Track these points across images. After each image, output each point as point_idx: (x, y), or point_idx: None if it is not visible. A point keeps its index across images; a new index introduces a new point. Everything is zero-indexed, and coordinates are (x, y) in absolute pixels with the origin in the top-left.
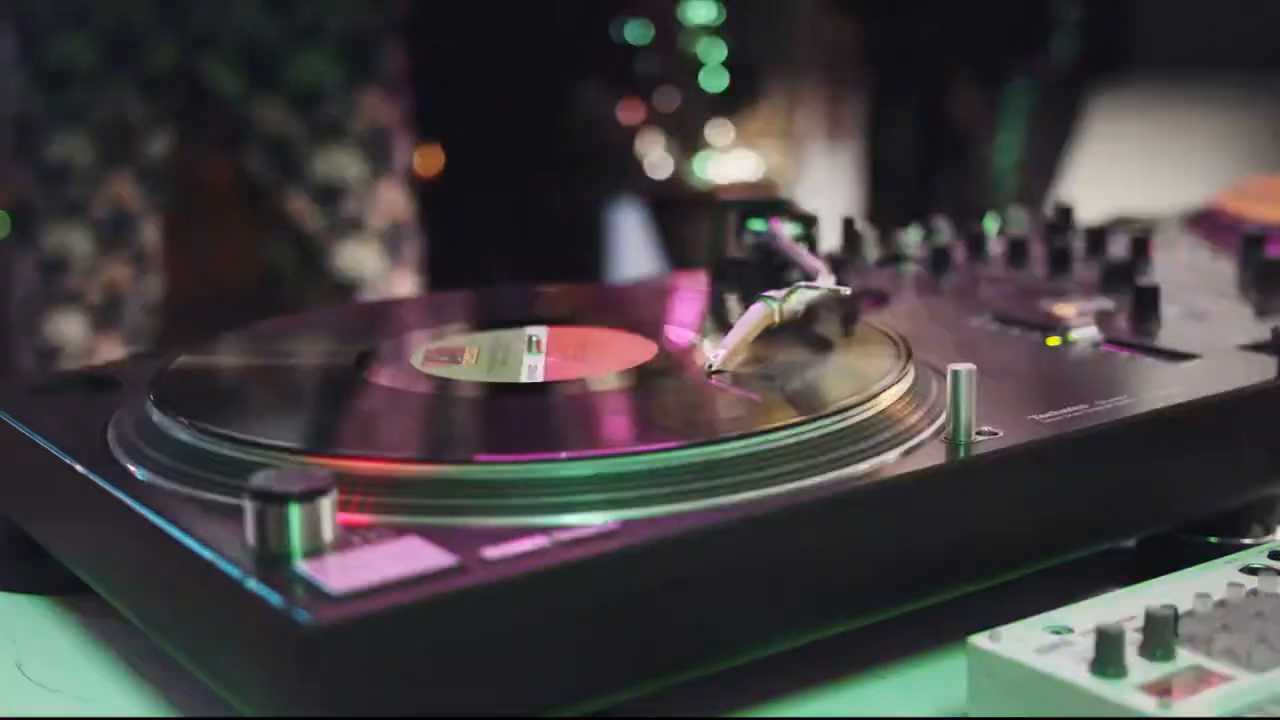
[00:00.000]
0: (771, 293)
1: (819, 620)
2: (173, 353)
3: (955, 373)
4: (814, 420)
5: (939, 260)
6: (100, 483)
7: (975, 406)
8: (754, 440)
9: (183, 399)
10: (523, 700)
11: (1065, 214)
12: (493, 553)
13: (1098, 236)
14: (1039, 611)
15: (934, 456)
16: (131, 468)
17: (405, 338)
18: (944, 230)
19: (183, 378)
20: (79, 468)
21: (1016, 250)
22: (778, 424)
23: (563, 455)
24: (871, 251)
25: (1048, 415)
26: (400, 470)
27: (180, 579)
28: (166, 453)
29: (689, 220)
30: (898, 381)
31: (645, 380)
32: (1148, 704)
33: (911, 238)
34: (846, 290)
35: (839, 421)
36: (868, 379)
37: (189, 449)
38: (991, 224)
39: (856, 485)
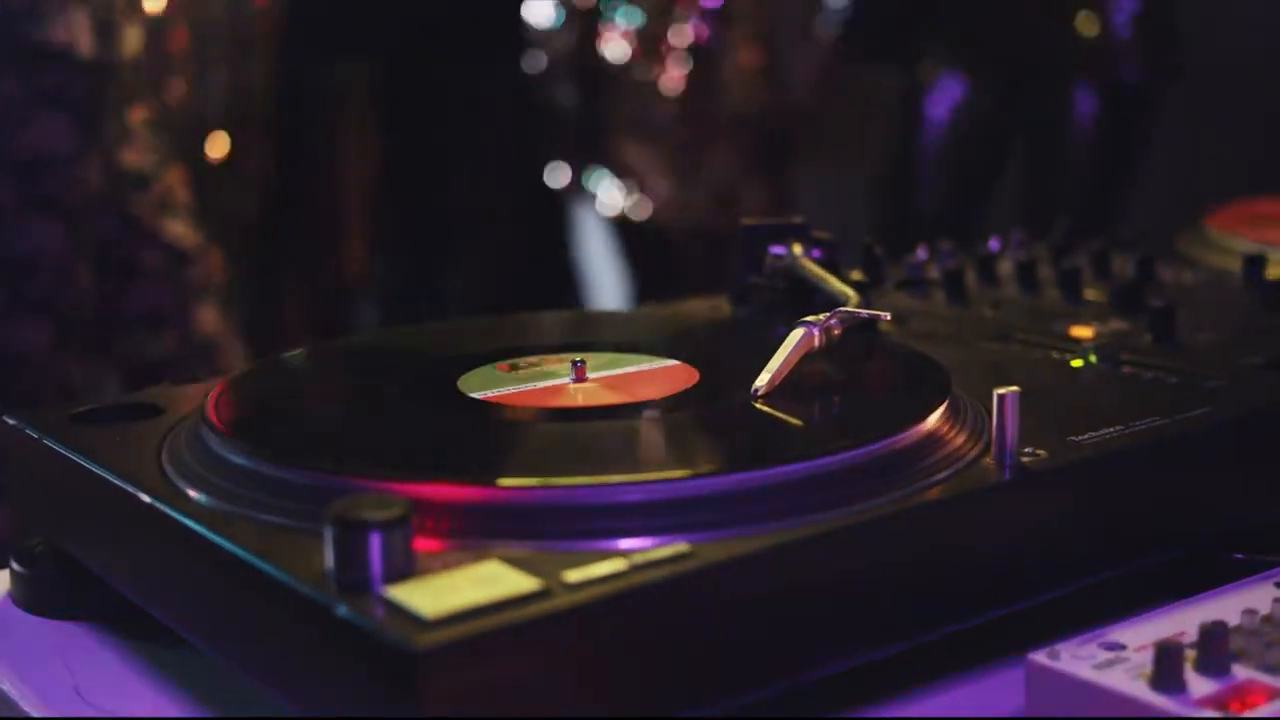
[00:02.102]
0: (811, 318)
1: (880, 637)
2: (208, 379)
3: (1001, 396)
4: (874, 443)
5: (952, 283)
6: (165, 509)
7: (1020, 428)
8: (817, 464)
9: (243, 425)
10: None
11: (1068, 235)
12: (574, 576)
13: (1103, 257)
14: (1076, 626)
15: (985, 478)
16: (191, 492)
17: (447, 362)
18: (952, 253)
19: (236, 403)
20: (142, 495)
21: (1026, 272)
22: (839, 447)
23: (635, 479)
24: (889, 275)
25: (1086, 436)
26: (474, 496)
27: (254, 603)
28: (230, 479)
29: None
30: (944, 404)
31: (698, 405)
32: (1211, 718)
33: (919, 258)
34: (886, 316)
35: (893, 445)
36: (917, 402)
37: (256, 475)
38: (996, 245)
39: (915, 505)
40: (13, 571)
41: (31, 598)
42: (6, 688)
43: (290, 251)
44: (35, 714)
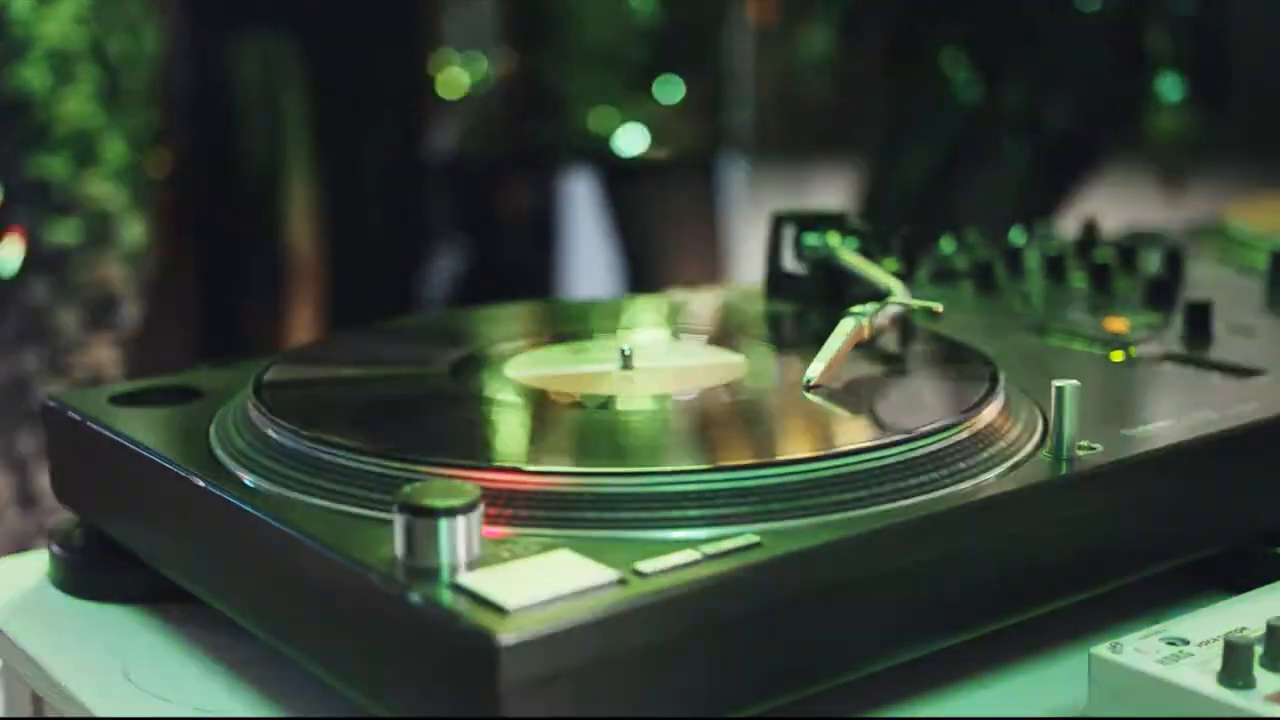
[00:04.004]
0: (859, 308)
1: (939, 630)
2: (249, 361)
3: (1060, 389)
4: (936, 434)
5: (981, 275)
6: (220, 494)
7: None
8: (882, 455)
9: (299, 409)
10: (675, 712)
11: (1091, 230)
12: (648, 566)
13: (1129, 252)
14: (1127, 619)
15: (1043, 471)
16: (244, 476)
17: (497, 347)
18: (980, 244)
19: (289, 386)
20: (195, 479)
21: (1054, 266)
22: (903, 439)
23: (705, 468)
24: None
25: (1137, 430)
26: (543, 484)
27: (315, 589)
28: (286, 463)
29: None
30: (1001, 396)
31: (751, 394)
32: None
33: (945, 250)
34: (939, 307)
35: (954, 437)
36: (972, 394)
37: (317, 461)
38: (1021, 238)
39: (978, 498)
40: (52, 554)
41: (71, 580)
42: (54, 671)
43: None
44: (86, 699)
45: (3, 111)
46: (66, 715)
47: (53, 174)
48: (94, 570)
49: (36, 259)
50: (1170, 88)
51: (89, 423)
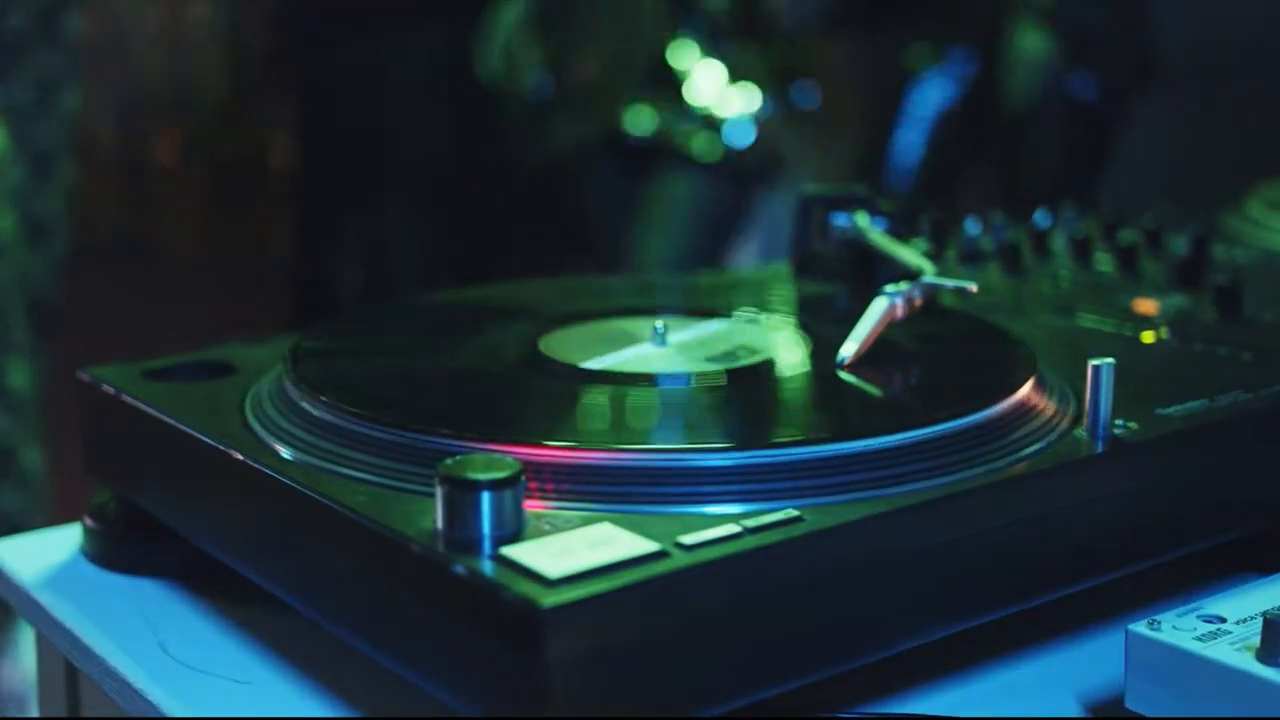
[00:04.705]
0: (892, 288)
1: (976, 606)
2: (278, 336)
3: (1097, 367)
4: (974, 413)
5: (1008, 256)
6: (259, 467)
7: (1114, 400)
8: (921, 433)
9: (338, 382)
10: (714, 685)
11: (1119, 212)
12: (690, 539)
13: (1155, 235)
14: (1161, 597)
15: (1079, 449)
16: (282, 450)
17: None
18: (1006, 226)
19: (327, 360)
20: (234, 453)
21: (1080, 247)
22: (941, 417)
23: (744, 444)
24: (953, 246)
25: (1173, 409)
26: (585, 458)
27: (356, 561)
28: (328, 437)
29: None
30: (1034, 375)
31: (785, 372)
32: None
33: (970, 231)
34: (973, 288)
35: (991, 414)
36: (1006, 372)
37: (357, 435)
38: (1045, 219)
39: (1015, 475)
40: (85, 527)
41: (104, 553)
42: (90, 643)
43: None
44: (124, 670)
45: None
46: (103, 686)
47: None
48: (128, 543)
49: None
50: None
51: (124, 396)
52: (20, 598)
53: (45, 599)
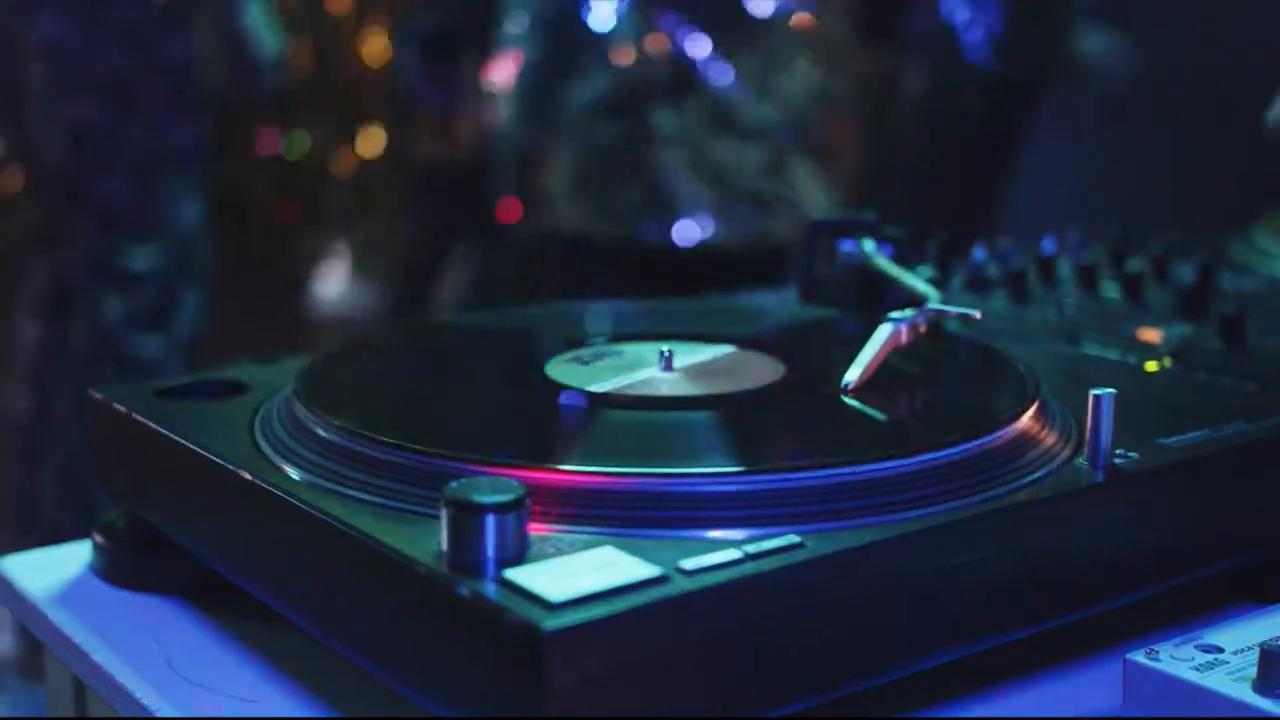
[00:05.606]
0: (897, 314)
1: (975, 633)
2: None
3: (1098, 396)
4: (975, 440)
5: (1015, 282)
6: (267, 487)
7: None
8: (922, 460)
9: (345, 404)
10: (715, 710)
11: (1126, 239)
12: (691, 564)
13: (1161, 261)
14: (1160, 627)
15: (1080, 478)
16: (290, 470)
17: (527, 346)
18: (1013, 252)
19: (334, 382)
20: (242, 472)
21: (1086, 274)
22: (942, 444)
23: (740, 471)
24: (956, 273)
25: (1174, 439)
26: (588, 482)
27: (361, 581)
28: (335, 458)
29: None
30: (1037, 403)
31: (790, 398)
32: None
33: (977, 258)
34: (977, 314)
35: (993, 442)
36: (1009, 400)
37: (363, 457)
38: (1052, 246)
39: (1015, 503)
40: (95, 544)
41: (113, 570)
42: (98, 658)
43: None
44: (130, 686)
45: None
46: (110, 702)
47: None
48: (137, 560)
49: None
50: None
51: (135, 415)
52: (30, 613)
53: (54, 615)
